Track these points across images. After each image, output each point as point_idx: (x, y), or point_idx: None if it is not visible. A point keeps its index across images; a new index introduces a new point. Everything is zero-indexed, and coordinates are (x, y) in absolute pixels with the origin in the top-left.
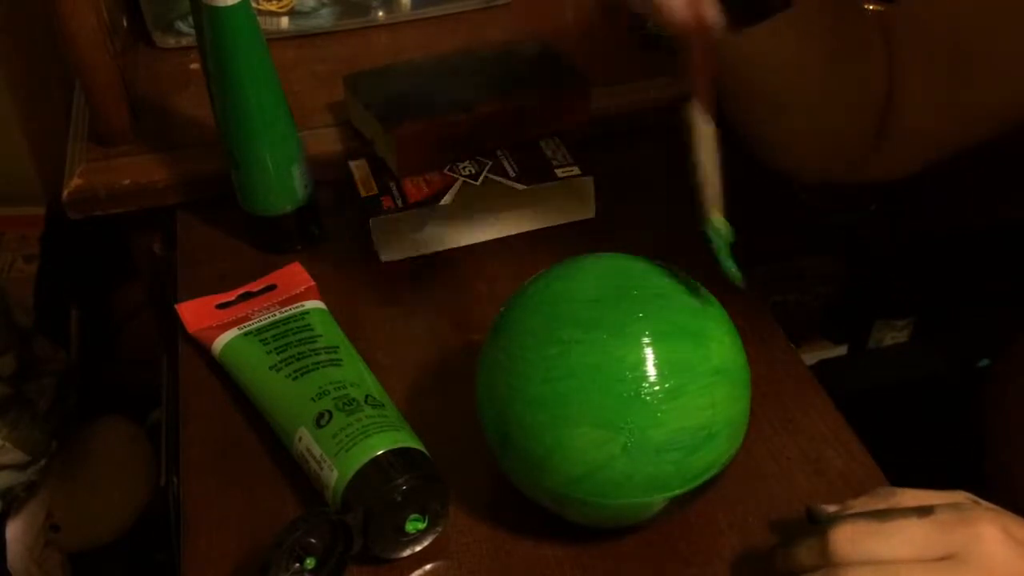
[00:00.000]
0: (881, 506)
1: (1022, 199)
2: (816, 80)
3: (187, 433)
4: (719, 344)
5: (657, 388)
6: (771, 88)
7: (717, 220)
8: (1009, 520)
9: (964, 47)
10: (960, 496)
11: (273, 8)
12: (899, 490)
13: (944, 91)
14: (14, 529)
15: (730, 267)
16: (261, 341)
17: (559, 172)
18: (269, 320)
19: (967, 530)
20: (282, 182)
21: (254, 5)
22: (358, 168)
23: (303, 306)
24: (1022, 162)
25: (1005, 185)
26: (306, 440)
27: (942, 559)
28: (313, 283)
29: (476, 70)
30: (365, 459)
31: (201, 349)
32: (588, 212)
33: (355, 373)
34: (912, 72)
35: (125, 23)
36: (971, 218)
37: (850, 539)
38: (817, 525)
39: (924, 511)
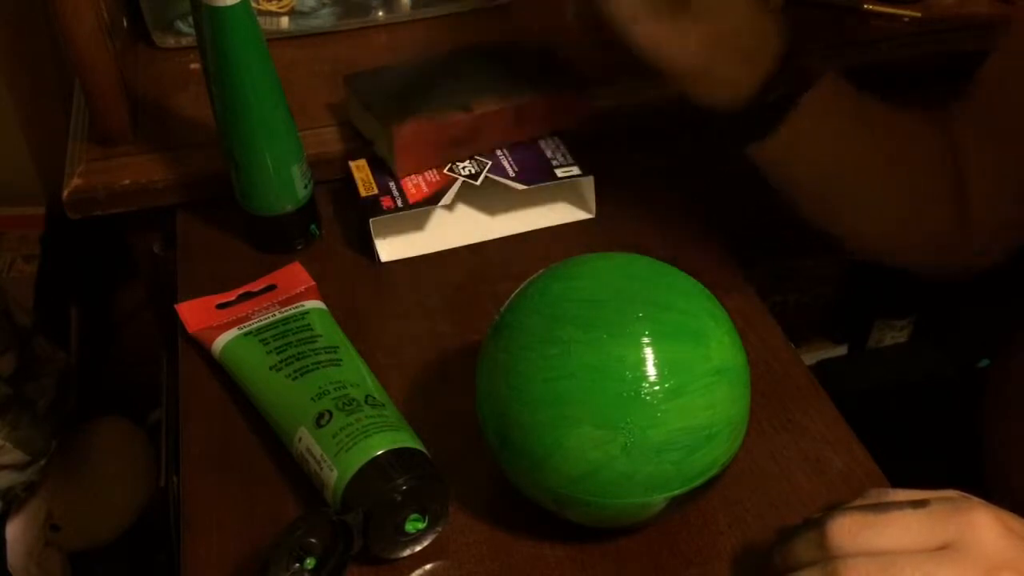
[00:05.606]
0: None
1: None
2: (858, 175)
3: (187, 433)
4: (719, 344)
5: (657, 388)
6: (817, 188)
7: None
8: (1001, 511)
9: None
10: (951, 493)
11: (273, 8)
12: (891, 490)
13: (1018, 183)
14: (14, 529)
15: None
16: (261, 341)
17: (559, 172)
18: (269, 320)
19: (962, 519)
20: (282, 182)
21: (254, 5)
22: (358, 168)
23: (303, 306)
24: None
25: None
26: (306, 440)
27: (939, 549)
28: (313, 283)
29: (476, 70)
30: (365, 459)
31: (201, 349)
32: (588, 212)
33: (355, 373)
34: (982, 169)
35: (125, 23)
36: None
37: (847, 531)
38: (814, 520)
39: (919, 503)
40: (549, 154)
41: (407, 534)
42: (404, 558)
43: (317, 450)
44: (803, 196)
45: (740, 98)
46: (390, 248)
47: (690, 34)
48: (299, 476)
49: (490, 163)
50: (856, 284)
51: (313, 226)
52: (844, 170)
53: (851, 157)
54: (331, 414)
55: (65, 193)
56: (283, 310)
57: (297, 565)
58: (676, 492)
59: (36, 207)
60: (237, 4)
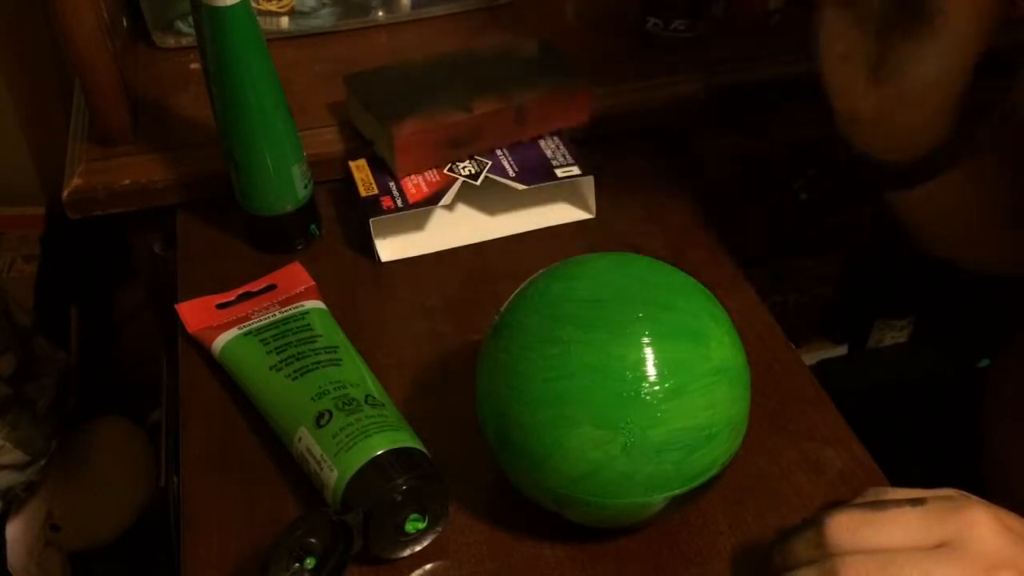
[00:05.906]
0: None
1: None
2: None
3: (187, 433)
4: (719, 344)
5: (657, 388)
6: (948, 229)
7: None
8: (999, 510)
9: None
10: (950, 491)
11: (273, 8)
12: (889, 489)
13: None
14: (14, 529)
15: None
16: (261, 341)
17: (559, 172)
18: (269, 320)
19: (960, 517)
20: (282, 182)
21: (254, 5)
22: (358, 168)
23: (303, 306)
24: None
25: None
26: (306, 440)
27: (937, 546)
28: (313, 283)
29: (476, 70)
30: (365, 459)
31: (201, 349)
32: (588, 212)
33: (355, 373)
34: None
35: (125, 23)
36: None
37: (846, 529)
38: (812, 519)
39: (917, 501)
40: (549, 154)
41: (407, 534)
42: (404, 558)
43: (317, 450)
44: (933, 234)
45: (902, 158)
46: (390, 248)
47: (874, 91)
48: (299, 476)
49: (490, 163)
50: (856, 284)
51: (313, 226)
52: (975, 217)
53: (984, 204)
54: (331, 414)
55: (65, 193)
56: (283, 310)
57: (297, 565)
58: (676, 492)
59: (36, 207)
60: (237, 4)
